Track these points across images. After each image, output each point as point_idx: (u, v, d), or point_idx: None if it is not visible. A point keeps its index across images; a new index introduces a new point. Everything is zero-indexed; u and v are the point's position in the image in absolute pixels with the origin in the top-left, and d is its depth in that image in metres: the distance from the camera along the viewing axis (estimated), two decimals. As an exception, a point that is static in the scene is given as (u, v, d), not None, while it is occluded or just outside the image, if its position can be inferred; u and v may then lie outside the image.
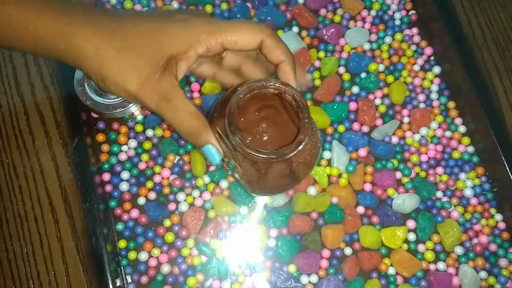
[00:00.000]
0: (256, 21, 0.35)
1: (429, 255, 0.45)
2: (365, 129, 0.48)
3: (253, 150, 0.31)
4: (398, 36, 0.51)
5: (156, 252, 0.43)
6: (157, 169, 0.45)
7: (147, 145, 0.46)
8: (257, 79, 0.33)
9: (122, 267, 0.43)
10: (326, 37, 0.50)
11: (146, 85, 0.32)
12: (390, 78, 0.50)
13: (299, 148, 0.32)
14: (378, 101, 0.49)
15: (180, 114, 0.32)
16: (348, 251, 0.44)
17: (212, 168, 0.46)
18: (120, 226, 0.43)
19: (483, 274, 0.45)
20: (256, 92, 0.33)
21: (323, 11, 0.52)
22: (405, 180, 0.47)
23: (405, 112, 0.49)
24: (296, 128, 0.35)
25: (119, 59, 0.32)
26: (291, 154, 0.32)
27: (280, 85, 0.33)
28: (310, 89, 0.49)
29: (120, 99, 0.43)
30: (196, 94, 0.47)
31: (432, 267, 0.45)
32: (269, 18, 0.49)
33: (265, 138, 0.36)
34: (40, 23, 0.31)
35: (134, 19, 0.34)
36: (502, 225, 0.46)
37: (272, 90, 0.33)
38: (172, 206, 0.44)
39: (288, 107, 0.35)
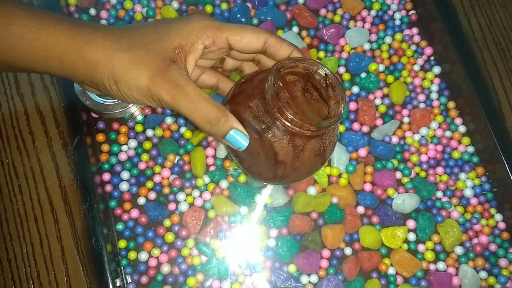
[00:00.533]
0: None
1: (429, 255, 0.45)
2: (365, 129, 0.48)
3: (302, 119, 0.31)
4: (398, 36, 0.51)
5: (156, 252, 0.43)
6: (157, 169, 0.45)
7: (147, 145, 0.46)
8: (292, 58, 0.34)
9: (122, 267, 0.43)
10: (326, 37, 0.50)
11: (156, 76, 0.32)
12: (390, 78, 0.50)
13: (339, 120, 0.33)
14: (378, 101, 0.49)
15: (195, 101, 0.32)
16: (348, 251, 0.44)
17: (212, 168, 0.46)
18: (120, 226, 0.43)
19: (483, 274, 0.45)
20: (289, 70, 0.34)
21: (323, 11, 0.52)
22: (405, 180, 0.47)
23: (405, 112, 0.49)
24: (325, 107, 0.36)
25: (129, 56, 0.32)
26: (334, 125, 0.33)
27: (311, 64, 0.34)
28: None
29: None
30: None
31: (432, 267, 0.45)
32: (269, 18, 0.49)
33: (307, 112, 0.36)
34: (51, 35, 0.32)
35: (139, 24, 0.35)
36: (502, 225, 0.46)
37: (303, 68, 0.34)
38: (172, 206, 0.44)
39: (319, 86, 0.35)
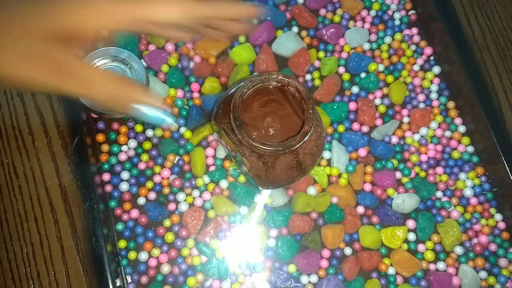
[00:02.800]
0: None
1: (429, 255, 0.45)
2: (365, 129, 0.48)
3: (259, 143, 0.31)
4: (398, 36, 0.51)
5: (156, 252, 0.43)
6: (157, 169, 0.45)
7: (147, 145, 0.46)
8: (257, 74, 0.34)
9: (122, 267, 0.43)
10: (325, 37, 0.50)
11: (31, 56, 0.26)
12: (390, 78, 0.50)
13: (305, 139, 0.32)
14: (378, 101, 0.49)
15: (85, 73, 0.27)
16: (348, 251, 0.44)
17: (212, 168, 0.46)
18: (120, 226, 0.43)
19: (483, 274, 0.45)
20: (259, 86, 0.33)
21: (322, 11, 0.52)
22: (405, 180, 0.47)
23: (405, 112, 0.49)
24: (301, 120, 0.36)
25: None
26: (297, 146, 0.32)
27: (283, 78, 0.33)
28: (310, 89, 0.49)
29: None
30: (196, 94, 0.47)
31: (432, 267, 0.45)
32: (269, 18, 0.49)
33: (271, 132, 0.36)
34: None
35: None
36: (502, 225, 0.46)
37: (274, 83, 0.33)
38: (172, 206, 0.44)
39: (291, 99, 0.35)
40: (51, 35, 0.27)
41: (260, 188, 0.43)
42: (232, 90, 0.36)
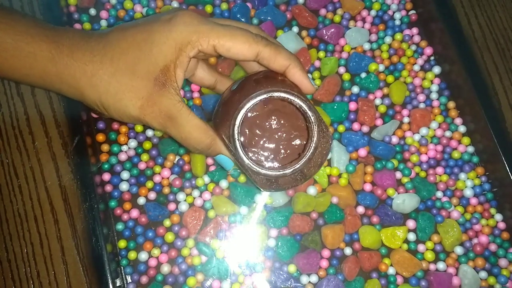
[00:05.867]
0: (251, 27, 0.34)
1: (429, 255, 0.45)
2: (365, 129, 0.48)
3: (263, 167, 0.31)
4: (398, 36, 0.51)
5: (156, 252, 0.43)
6: (157, 169, 0.45)
7: (147, 145, 0.46)
8: (261, 90, 0.32)
9: (122, 267, 0.43)
10: (326, 37, 0.50)
11: (147, 107, 0.30)
12: (390, 78, 0.50)
13: (311, 158, 0.32)
14: (378, 101, 0.49)
15: (186, 132, 0.31)
16: (348, 251, 0.44)
17: (212, 168, 0.46)
18: (120, 226, 0.43)
19: (483, 274, 0.45)
20: (261, 103, 0.33)
21: (323, 11, 0.52)
22: (405, 180, 0.47)
23: (405, 112, 0.49)
24: (305, 119, 0.35)
25: (115, 85, 0.30)
26: (302, 167, 0.32)
27: (285, 95, 0.31)
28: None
29: None
30: (196, 94, 0.47)
31: (432, 267, 0.45)
32: (269, 18, 0.49)
33: (276, 130, 0.35)
34: (29, 54, 0.29)
35: (119, 35, 0.31)
36: (502, 225, 0.46)
37: (277, 99, 0.32)
38: (172, 206, 0.44)
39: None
40: (159, 81, 0.30)
41: (261, 190, 0.43)
42: (233, 88, 0.35)
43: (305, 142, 0.35)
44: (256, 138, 0.35)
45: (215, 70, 0.39)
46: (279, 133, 0.36)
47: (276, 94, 0.31)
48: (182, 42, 0.30)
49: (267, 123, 0.36)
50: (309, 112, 0.32)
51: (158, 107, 0.30)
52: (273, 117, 0.36)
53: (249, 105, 0.31)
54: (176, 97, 0.31)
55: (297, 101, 0.31)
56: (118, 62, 0.30)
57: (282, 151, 0.35)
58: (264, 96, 0.31)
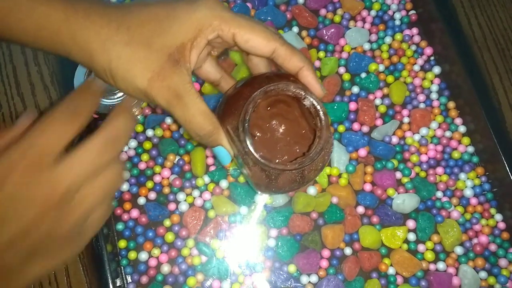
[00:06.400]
0: (267, 26, 0.34)
1: (429, 255, 0.45)
2: (365, 129, 0.48)
3: (269, 161, 0.31)
4: (398, 36, 0.51)
5: (156, 252, 0.43)
6: (157, 169, 0.45)
7: (147, 145, 0.46)
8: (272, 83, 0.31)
9: (122, 267, 0.43)
10: (326, 37, 0.50)
11: (156, 81, 0.30)
12: (390, 78, 0.50)
13: (315, 159, 0.32)
14: (378, 101, 0.49)
15: (190, 114, 0.31)
16: (348, 251, 0.44)
17: (212, 168, 0.46)
18: (120, 226, 0.43)
19: (483, 274, 0.45)
20: (273, 97, 0.32)
21: (323, 11, 0.52)
22: (405, 180, 0.47)
23: (405, 112, 0.49)
24: (308, 125, 0.35)
25: (128, 53, 0.29)
26: (307, 165, 0.31)
27: (300, 91, 0.31)
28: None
29: (120, 98, 0.43)
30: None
31: (432, 267, 0.45)
32: (269, 18, 0.49)
33: (275, 135, 0.35)
34: (43, 13, 0.29)
35: (141, 6, 0.31)
36: (502, 225, 0.46)
37: (290, 94, 0.32)
38: (172, 206, 0.44)
39: (303, 106, 0.34)
40: (173, 57, 0.30)
41: (259, 193, 0.43)
42: (240, 85, 0.35)
43: (304, 151, 0.35)
44: (256, 139, 0.35)
45: (222, 67, 0.38)
46: (279, 138, 0.36)
47: (293, 89, 0.31)
48: (204, 24, 0.30)
49: (268, 126, 0.36)
50: (321, 111, 0.32)
51: (167, 83, 0.30)
52: (275, 122, 0.35)
53: (262, 90, 0.31)
54: (187, 77, 0.30)
55: (312, 99, 0.32)
56: (134, 32, 0.30)
57: (279, 155, 0.35)
58: (282, 85, 0.31)
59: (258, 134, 0.35)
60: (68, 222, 0.24)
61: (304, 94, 0.32)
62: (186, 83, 0.30)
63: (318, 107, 0.32)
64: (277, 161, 0.34)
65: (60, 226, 0.24)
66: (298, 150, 0.35)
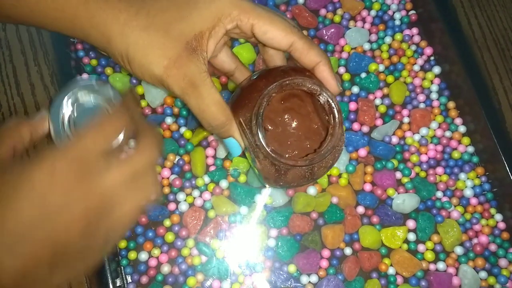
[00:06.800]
0: (286, 18, 0.34)
1: (429, 255, 0.45)
2: (365, 129, 0.48)
3: (279, 156, 0.31)
4: (398, 36, 0.51)
5: (156, 252, 0.43)
6: (157, 169, 0.45)
7: (147, 145, 0.46)
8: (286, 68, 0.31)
9: (122, 267, 0.43)
10: (326, 37, 0.50)
11: (173, 68, 0.29)
12: (390, 78, 0.50)
13: (326, 156, 0.31)
14: (378, 101, 0.49)
15: (204, 104, 0.30)
16: (348, 251, 0.44)
17: (212, 168, 0.46)
18: (120, 226, 0.43)
19: (483, 274, 0.45)
20: (287, 91, 0.32)
21: (323, 11, 0.52)
22: (405, 180, 0.47)
23: (405, 112, 0.49)
24: (320, 121, 0.35)
25: (145, 38, 0.29)
26: (317, 162, 0.31)
27: (316, 87, 0.31)
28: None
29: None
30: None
31: (432, 267, 0.45)
32: (269, 18, 0.49)
33: (287, 130, 0.35)
34: None
35: None
36: (502, 225, 0.46)
37: (305, 89, 0.32)
38: (172, 206, 0.44)
39: (316, 102, 0.34)
40: (191, 45, 0.29)
41: (267, 186, 0.43)
42: (255, 77, 0.34)
43: (315, 147, 0.35)
44: (268, 133, 0.35)
45: (237, 58, 0.38)
46: (291, 132, 0.35)
47: (309, 84, 0.31)
48: (223, 13, 0.30)
49: (280, 120, 0.35)
50: (335, 108, 0.31)
51: (183, 71, 0.30)
52: (287, 116, 0.35)
53: (278, 84, 0.30)
54: (203, 66, 0.30)
55: (327, 96, 0.31)
56: (154, 17, 0.30)
57: (289, 150, 0.35)
58: (298, 80, 0.31)
59: (270, 127, 0.35)
60: (104, 233, 0.24)
61: (319, 90, 0.31)
62: (202, 72, 0.30)
63: (333, 104, 0.31)
64: (287, 155, 0.34)
65: (97, 238, 0.24)
66: (308, 146, 0.35)
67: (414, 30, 0.51)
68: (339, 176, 0.46)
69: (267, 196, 0.45)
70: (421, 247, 0.45)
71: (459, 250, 0.45)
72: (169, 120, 0.46)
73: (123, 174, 0.24)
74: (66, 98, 0.31)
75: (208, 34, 0.30)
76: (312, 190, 0.45)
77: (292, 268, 0.43)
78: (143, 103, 0.47)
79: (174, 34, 0.30)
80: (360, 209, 0.45)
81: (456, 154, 0.48)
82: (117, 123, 0.26)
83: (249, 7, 0.30)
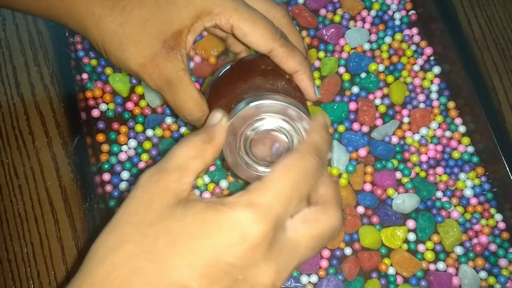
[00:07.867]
0: (277, 8, 0.33)
1: (429, 255, 0.45)
2: (365, 129, 0.48)
3: (257, 160, 0.31)
4: (398, 36, 0.51)
5: (156, 252, 0.43)
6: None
7: (147, 145, 0.46)
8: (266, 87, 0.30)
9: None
10: (326, 37, 0.50)
11: (149, 66, 0.29)
12: (390, 78, 0.50)
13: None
14: (378, 101, 0.49)
15: (181, 100, 0.30)
16: (348, 251, 0.44)
17: (212, 168, 0.46)
18: (120, 226, 0.43)
19: (483, 274, 0.45)
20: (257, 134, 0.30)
21: (323, 11, 0.52)
22: (405, 180, 0.47)
23: (405, 112, 0.49)
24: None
25: (121, 35, 0.29)
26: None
27: (282, 124, 0.30)
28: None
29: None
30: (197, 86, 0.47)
31: (432, 267, 0.45)
32: (269, 18, 0.49)
33: (262, 141, 0.35)
34: None
35: None
36: (502, 225, 0.46)
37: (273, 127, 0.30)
38: (172, 206, 0.44)
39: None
40: (169, 40, 0.29)
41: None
42: (230, 68, 0.33)
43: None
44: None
45: None
46: (266, 139, 0.35)
47: (274, 122, 0.29)
48: (203, 11, 0.29)
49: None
50: (294, 144, 0.30)
51: (159, 70, 0.29)
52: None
53: (244, 110, 0.29)
54: (181, 64, 0.30)
55: (291, 133, 0.30)
56: (130, 13, 0.29)
57: (268, 158, 0.35)
58: (269, 106, 0.29)
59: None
60: None
61: (283, 128, 0.30)
62: (180, 70, 0.30)
63: (294, 141, 0.30)
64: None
65: None
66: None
67: (414, 30, 0.51)
68: (339, 176, 0.46)
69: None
70: (421, 247, 0.45)
71: (459, 250, 0.45)
72: (169, 120, 0.46)
73: (309, 245, 0.23)
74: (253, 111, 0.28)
75: (186, 32, 0.30)
76: (312, 190, 0.45)
77: (292, 268, 0.43)
78: (143, 103, 0.47)
79: (151, 31, 0.29)
80: (360, 209, 0.45)
81: (456, 154, 0.48)
82: (312, 170, 0.23)
83: (231, 6, 0.29)
